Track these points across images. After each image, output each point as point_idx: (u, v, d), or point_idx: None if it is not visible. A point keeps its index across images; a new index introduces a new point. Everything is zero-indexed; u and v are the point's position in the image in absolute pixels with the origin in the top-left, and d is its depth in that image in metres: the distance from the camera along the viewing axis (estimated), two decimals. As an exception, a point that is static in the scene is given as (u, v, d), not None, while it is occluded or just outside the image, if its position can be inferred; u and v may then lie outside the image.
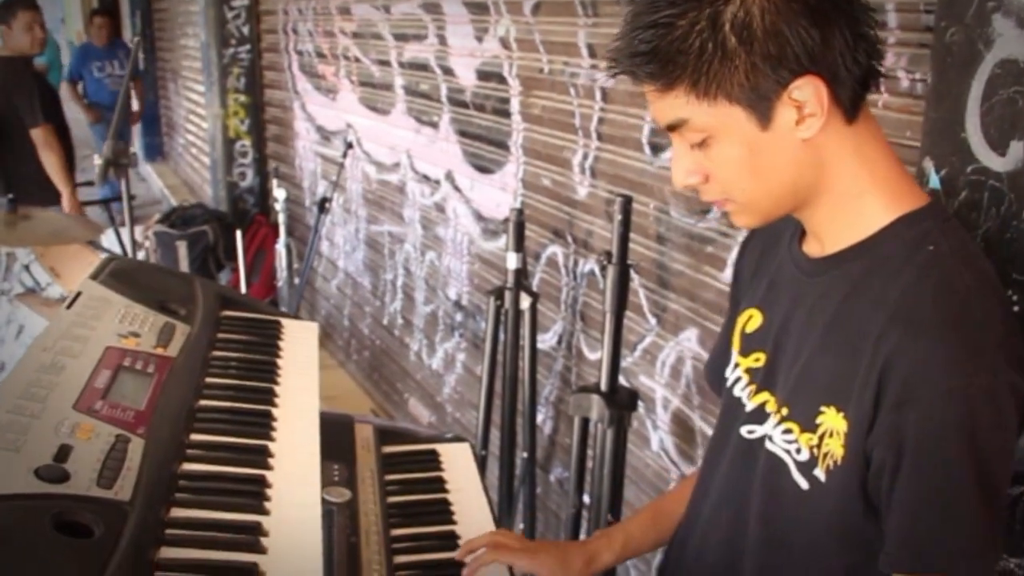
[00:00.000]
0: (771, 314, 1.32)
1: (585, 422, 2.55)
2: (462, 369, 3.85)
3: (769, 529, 1.26)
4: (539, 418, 3.22)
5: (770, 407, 1.27)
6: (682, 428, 2.59)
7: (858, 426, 1.12)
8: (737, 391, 1.35)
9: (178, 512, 1.20)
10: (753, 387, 1.31)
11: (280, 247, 5.10)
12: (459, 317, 3.83)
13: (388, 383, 4.62)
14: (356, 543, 1.54)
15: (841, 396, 1.15)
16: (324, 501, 1.62)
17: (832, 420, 1.16)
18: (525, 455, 3.08)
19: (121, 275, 1.75)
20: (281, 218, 5.09)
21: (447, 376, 3.98)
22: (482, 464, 3.13)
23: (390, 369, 4.58)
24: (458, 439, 1.99)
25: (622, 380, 2.72)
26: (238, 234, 4.76)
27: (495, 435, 3.20)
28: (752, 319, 1.35)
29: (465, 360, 3.82)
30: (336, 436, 1.86)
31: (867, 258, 1.18)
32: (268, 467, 1.34)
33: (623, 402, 2.44)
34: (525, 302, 2.92)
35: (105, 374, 1.37)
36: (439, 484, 1.80)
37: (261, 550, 1.17)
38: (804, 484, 1.19)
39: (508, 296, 2.92)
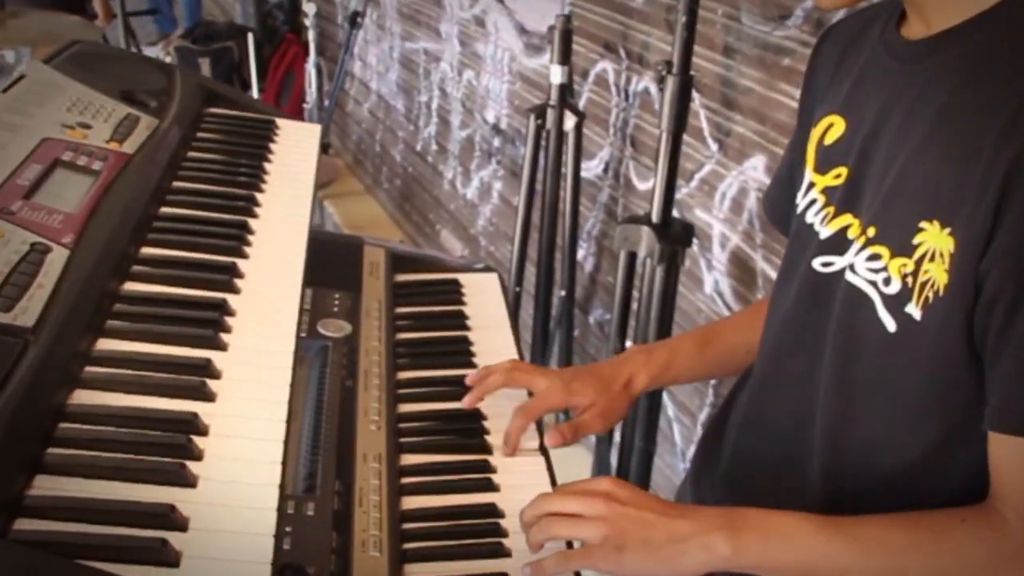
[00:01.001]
0: (856, 119, 1.05)
1: (632, 257, 2.26)
2: (498, 199, 3.55)
3: (844, 384, 1.01)
4: (579, 254, 2.94)
5: (852, 232, 1.01)
6: (741, 269, 2.29)
7: (970, 246, 0.87)
8: (810, 217, 1.08)
9: (107, 344, 0.93)
10: (831, 210, 1.05)
11: (310, 67, 4.77)
12: (497, 142, 3.51)
13: (420, 214, 4.35)
14: (352, 387, 1.27)
15: (948, 208, 0.90)
16: (318, 335, 1.36)
17: (934, 238, 0.91)
18: (563, 294, 2.81)
19: (83, 59, 1.45)
20: (311, 36, 4.75)
21: (482, 207, 3.69)
22: (515, 302, 2.87)
23: (422, 199, 4.30)
24: (487, 269, 1.70)
25: (675, 213, 2.42)
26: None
27: (530, 271, 2.93)
28: (832, 128, 1.08)
29: (502, 189, 3.52)
30: (339, 260, 1.58)
31: (989, 32, 0.91)
32: (233, 289, 1.06)
33: (676, 236, 2.14)
34: (569, 122, 2.60)
35: (34, 169, 1.08)
36: (459, 320, 1.52)
37: (208, 397, 0.91)
38: (891, 325, 0.94)
39: (551, 115, 2.60)
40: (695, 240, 2.36)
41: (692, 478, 1.31)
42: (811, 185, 1.09)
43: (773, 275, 2.18)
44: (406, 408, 1.31)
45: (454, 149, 3.91)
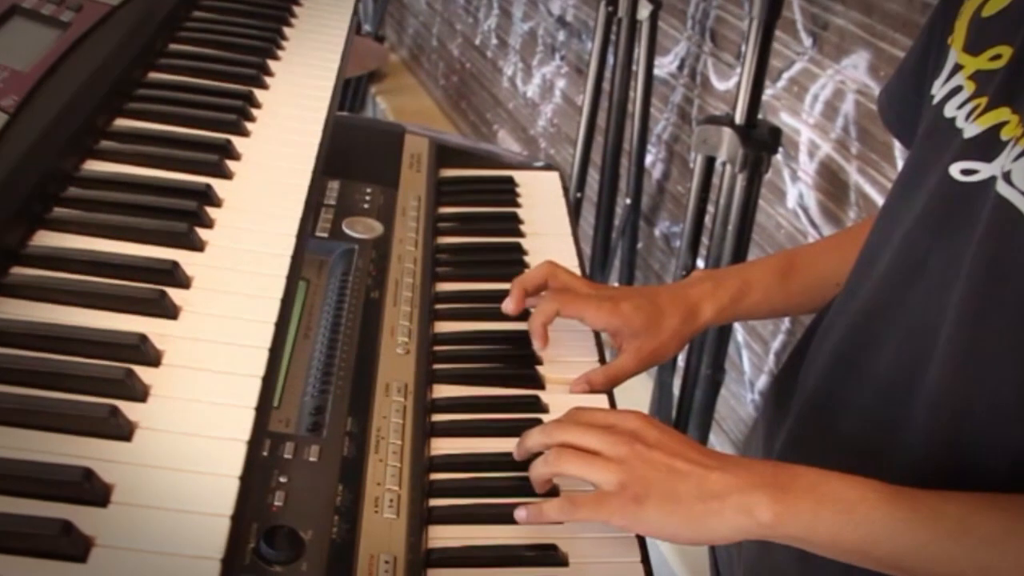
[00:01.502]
0: None
1: (709, 163, 2.01)
2: (561, 98, 3.29)
3: (979, 327, 0.77)
4: (648, 159, 2.68)
5: (1009, 131, 0.76)
6: (830, 182, 2.03)
7: None
8: (951, 109, 0.83)
9: (47, 239, 0.71)
10: (982, 101, 0.80)
11: (366, -48, 4.50)
12: (561, 36, 3.23)
13: (477, 112, 4.09)
14: (379, 299, 1.05)
15: None
16: (342, 236, 1.14)
17: None
18: (628, 201, 2.57)
19: None
20: (369, -81, 4.47)
21: (543, 106, 3.43)
22: (575, 208, 2.63)
23: (480, 97, 4.04)
24: (547, 167, 1.47)
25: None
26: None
27: (593, 177, 2.68)
28: None
29: (565, 88, 3.25)
30: (375, 150, 1.36)
31: None
32: (224, 174, 0.84)
33: (762, 140, 1.89)
34: (644, 10, 2.33)
35: (-16, 14, 0.86)
36: (512, 223, 1.29)
37: (170, 314, 0.69)
38: None
39: (623, 1, 2.33)
40: (779, 148, 2.11)
41: (763, 425, 1.07)
42: (957, 68, 0.84)
43: (868, 190, 1.93)
44: (443, 328, 1.09)
45: (515, 43, 3.64)
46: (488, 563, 0.81)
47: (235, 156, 0.87)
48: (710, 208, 2.10)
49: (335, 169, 1.28)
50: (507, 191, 1.37)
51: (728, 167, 1.92)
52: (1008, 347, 0.74)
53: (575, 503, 0.81)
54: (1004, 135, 0.76)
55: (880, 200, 1.92)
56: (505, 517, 0.85)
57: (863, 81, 1.92)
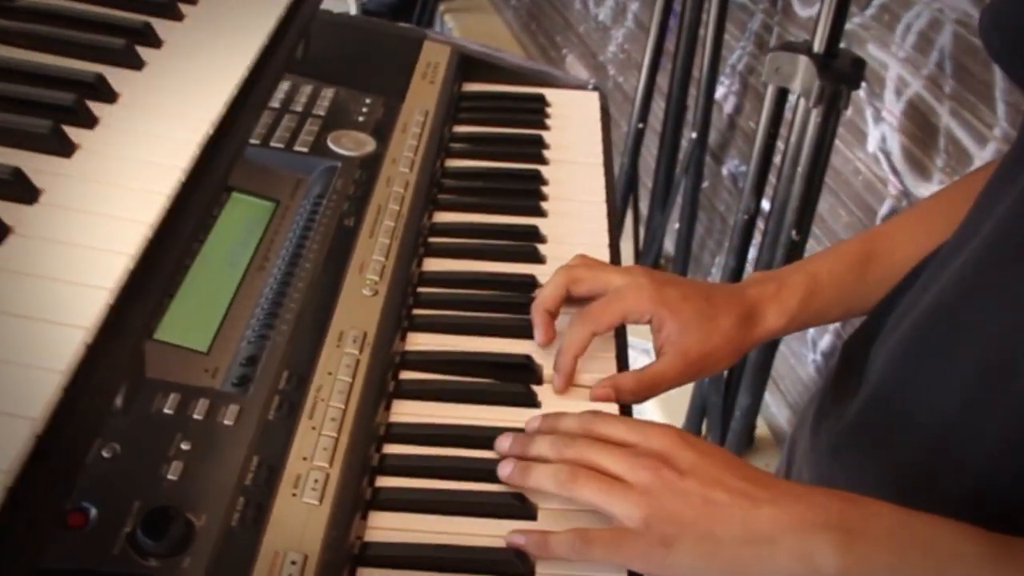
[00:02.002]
0: None
1: (782, 95, 1.79)
2: (633, 23, 3.07)
3: None
4: (719, 92, 2.46)
5: None
6: (918, 125, 1.81)
7: None
8: None
9: None
10: None
11: None
12: (637, -46, 3.01)
13: (547, 36, 3.88)
14: (353, 228, 0.88)
15: None
16: (326, 151, 0.96)
17: None
18: (694, 135, 2.35)
19: None
20: None
21: (614, 31, 3.20)
22: (637, 139, 2.43)
23: (551, 19, 3.82)
24: (586, 86, 1.27)
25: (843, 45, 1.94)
26: None
27: (659, 106, 2.47)
28: None
29: (638, 11, 3.03)
30: (386, 56, 1.18)
31: None
32: (130, 62, 0.66)
33: (842, 72, 1.66)
34: (722, -77, 2.10)
35: None
36: (534, 149, 1.11)
37: (28, 199, 0.53)
38: None
39: (700, -88, 2.11)
40: (862, 84, 1.88)
41: (816, 403, 0.88)
42: None
43: (960, 136, 1.70)
44: (434, 265, 0.92)
45: (590, -38, 3.41)
46: (437, 566, 0.64)
47: (154, 42, 0.70)
48: (780, 146, 1.88)
49: (333, 75, 1.11)
50: (535, 111, 1.18)
51: (802, 101, 1.70)
52: None
53: (588, 541, 0.64)
54: None
55: (973, 149, 1.69)
56: (470, 508, 0.68)
57: (963, 9, 1.68)
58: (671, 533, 0.62)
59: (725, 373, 2.03)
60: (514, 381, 0.79)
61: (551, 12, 3.83)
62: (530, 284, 0.89)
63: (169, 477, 0.63)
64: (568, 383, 0.80)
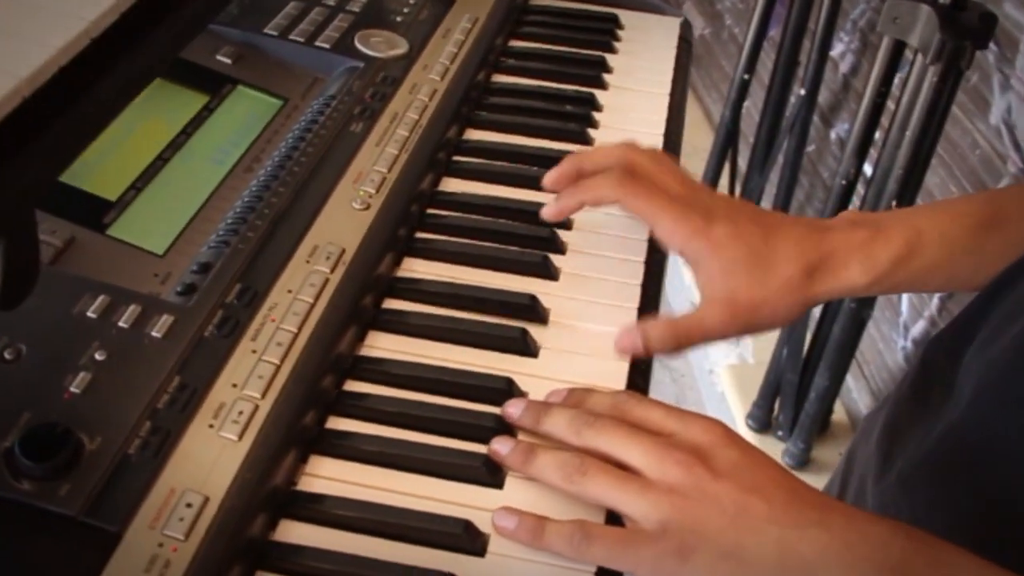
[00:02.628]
0: None
1: (898, 49, 1.63)
2: (754, -30, 2.89)
3: None
4: (837, 49, 2.28)
5: None
6: (1051, 95, 1.63)
7: None
8: None
9: None
10: None
11: None
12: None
13: (666, -19, 3.70)
14: (361, 134, 0.77)
15: None
16: (351, 51, 0.86)
17: None
18: (803, 92, 2.19)
19: None
20: None
21: (734, -22, 3.03)
22: (741, 90, 2.28)
23: (672, -36, 3.65)
24: (662, 8, 1.14)
25: None
26: None
27: (766, 64, 2.31)
28: None
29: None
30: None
31: None
32: None
33: (968, 27, 1.49)
34: None
35: None
36: (595, 72, 0.98)
37: None
38: None
39: None
40: (991, 47, 1.70)
41: (886, 429, 0.73)
42: None
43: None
44: (453, 186, 0.81)
45: (717, -96, 3.23)
46: (373, 529, 0.54)
47: None
48: (891, 107, 1.72)
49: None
50: (604, 31, 1.06)
51: (919, 57, 1.54)
52: None
53: (590, 537, 0.53)
54: None
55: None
56: (428, 467, 0.58)
57: (1117, -31, 1.50)
58: (690, 543, 0.51)
59: (805, 351, 1.89)
60: (513, 322, 0.67)
61: (673, -43, 3.66)
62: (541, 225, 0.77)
63: (72, 389, 0.53)
64: (559, 217, 0.72)
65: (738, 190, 2.44)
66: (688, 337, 0.68)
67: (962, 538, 0.49)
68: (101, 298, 0.58)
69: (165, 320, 0.58)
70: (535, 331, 0.67)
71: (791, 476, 0.53)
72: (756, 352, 2.20)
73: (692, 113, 3.11)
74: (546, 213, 0.71)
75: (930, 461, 0.62)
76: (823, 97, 2.30)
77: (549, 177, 0.71)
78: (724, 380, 2.15)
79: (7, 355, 0.55)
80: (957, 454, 0.60)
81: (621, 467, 0.54)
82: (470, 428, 0.60)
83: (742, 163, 2.45)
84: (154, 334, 0.57)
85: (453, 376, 0.63)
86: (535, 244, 0.74)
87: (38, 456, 0.49)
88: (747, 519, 0.50)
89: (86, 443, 0.51)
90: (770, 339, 2.00)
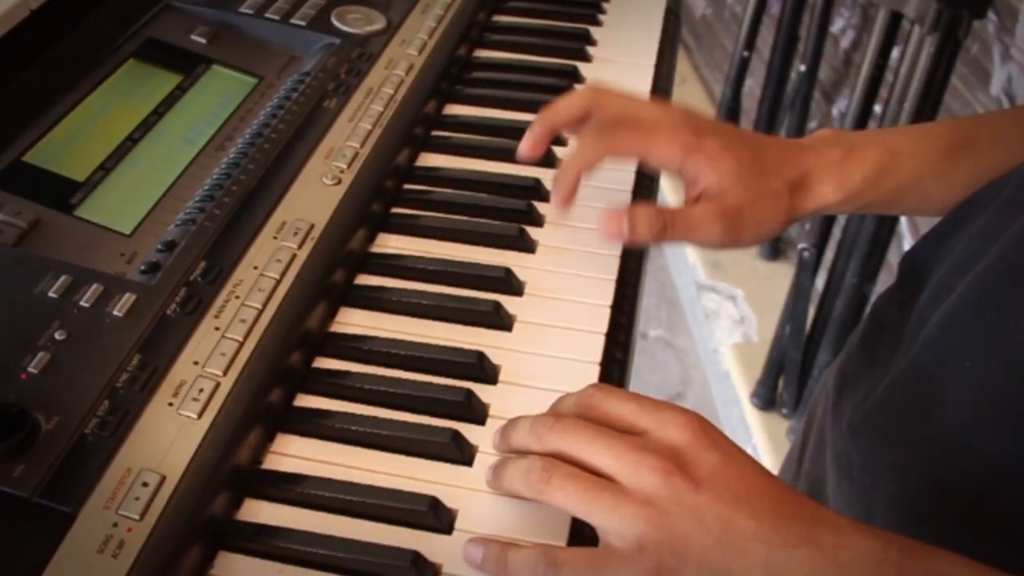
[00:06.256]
0: None
1: (895, 21, 1.61)
2: (755, -53, 2.86)
3: None
4: (837, 24, 2.26)
5: None
6: (1051, 64, 1.61)
7: None
8: None
9: None
10: None
11: None
12: None
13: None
14: (334, 110, 0.76)
15: None
16: (327, 27, 0.85)
17: None
18: (803, 68, 2.17)
19: None
20: None
21: (735, -45, 3.00)
22: (741, 68, 2.26)
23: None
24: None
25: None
26: None
27: (767, 40, 2.29)
28: None
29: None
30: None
31: None
32: None
33: (965, -3, 1.47)
34: None
35: None
36: (578, 43, 0.97)
37: None
38: None
39: None
40: (991, 17, 1.67)
41: (838, 379, 0.73)
42: None
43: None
44: (427, 161, 0.80)
45: None
46: (340, 507, 0.53)
47: None
48: (890, 78, 1.70)
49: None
50: (589, 4, 1.04)
51: (916, 28, 1.51)
52: None
53: (556, 564, 0.49)
54: None
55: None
56: (410, 446, 0.56)
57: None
58: (670, 564, 0.47)
59: (808, 327, 1.87)
60: (487, 295, 0.66)
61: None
62: (535, 190, 0.76)
63: (30, 370, 0.52)
64: (567, 201, 0.67)
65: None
66: (674, 227, 0.65)
67: (908, 484, 0.47)
68: (63, 278, 0.57)
69: (127, 299, 0.57)
70: (510, 303, 0.66)
71: (775, 482, 0.50)
72: (760, 331, 2.19)
73: (694, 91, 3.10)
74: (520, 150, 0.69)
75: (878, 410, 0.61)
76: (824, 73, 2.28)
77: (524, 146, 0.69)
78: (728, 359, 2.14)
79: (-35, 337, 0.54)
80: (903, 403, 0.59)
81: (594, 472, 0.50)
82: (440, 404, 0.59)
83: (744, 141, 2.43)
84: (115, 313, 0.56)
85: (424, 351, 0.62)
86: (513, 217, 0.73)
87: (-7, 436, 0.48)
88: (732, 537, 0.46)
89: (42, 423, 0.50)
90: (773, 317, 1.99)
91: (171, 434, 0.51)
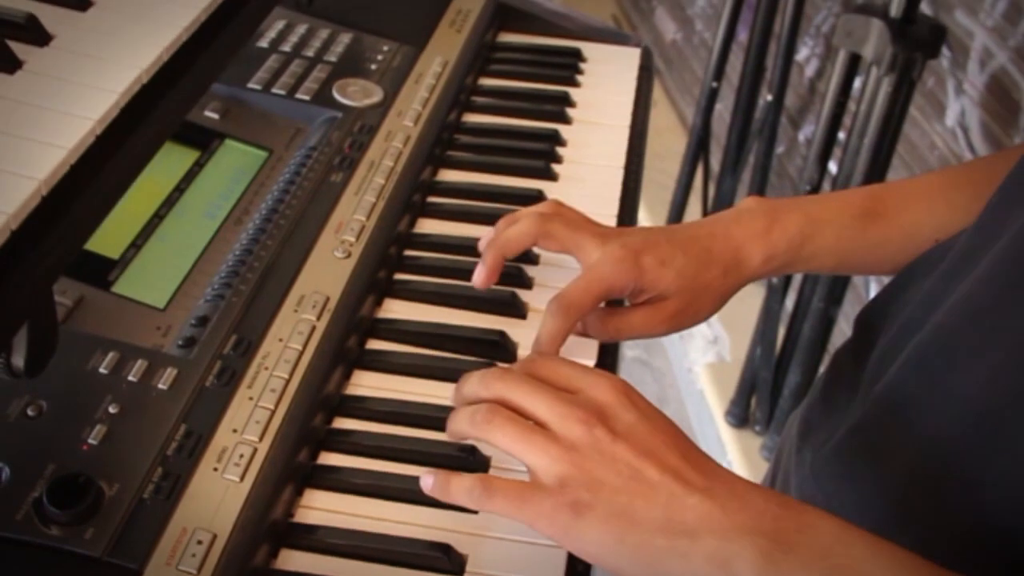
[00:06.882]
0: None
1: (854, 61, 1.70)
2: (722, -25, 2.95)
3: None
4: (802, 54, 2.36)
5: None
6: (1000, 100, 1.70)
7: None
8: None
9: None
10: None
11: None
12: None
13: (637, -16, 3.77)
14: (340, 184, 0.84)
15: None
16: (330, 101, 0.93)
17: None
18: (770, 98, 2.26)
19: None
20: None
21: (703, -18, 3.10)
22: (711, 98, 2.35)
23: (643, -33, 3.71)
24: (627, 40, 1.21)
25: (926, 10, 1.83)
26: None
27: (736, 67, 2.37)
28: None
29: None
30: (416, 1, 1.13)
31: None
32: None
33: (918, 39, 1.56)
34: None
35: None
36: (559, 106, 1.05)
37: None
38: None
39: None
40: (946, 53, 1.77)
41: (801, 424, 0.81)
42: None
43: (1046, 113, 1.60)
44: (428, 227, 0.87)
45: (684, -90, 3.29)
46: (365, 555, 0.61)
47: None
48: (853, 108, 1.79)
49: (355, 18, 1.07)
50: (567, 67, 1.13)
51: (874, 68, 1.61)
52: None
53: (490, 490, 0.57)
54: None
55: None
56: (419, 497, 0.64)
57: (1059, -22, 1.57)
58: (584, 500, 0.55)
59: (777, 349, 1.96)
60: (485, 358, 0.74)
61: (643, -40, 3.73)
62: (524, 255, 0.84)
63: (90, 441, 0.60)
64: (490, 276, 0.76)
65: (712, 192, 2.51)
66: (619, 331, 0.76)
67: (867, 522, 0.56)
68: (111, 354, 0.65)
69: (170, 373, 0.64)
70: (504, 365, 0.74)
71: (686, 441, 0.58)
72: (733, 351, 2.28)
73: (666, 117, 3.19)
74: (475, 281, 0.77)
75: (837, 453, 0.69)
76: (791, 100, 2.37)
77: (478, 278, 0.76)
78: (703, 378, 2.22)
79: (30, 412, 0.61)
80: (859, 448, 0.67)
81: (530, 419, 0.58)
82: (446, 458, 0.66)
83: (716, 164, 2.52)
84: (160, 386, 0.64)
85: (429, 411, 0.70)
86: (504, 280, 0.81)
87: (64, 504, 0.56)
88: (639, 484, 0.55)
89: (105, 490, 0.57)
90: (746, 338, 2.07)
91: (218, 496, 0.59)
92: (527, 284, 0.82)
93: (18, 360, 0.53)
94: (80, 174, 0.53)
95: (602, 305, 0.76)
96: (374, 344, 0.75)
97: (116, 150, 0.56)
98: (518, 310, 0.79)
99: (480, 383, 0.62)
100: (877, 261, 0.79)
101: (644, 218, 2.25)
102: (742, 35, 2.40)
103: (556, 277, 0.81)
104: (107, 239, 0.76)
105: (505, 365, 0.69)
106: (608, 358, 0.77)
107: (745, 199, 0.80)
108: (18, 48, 0.57)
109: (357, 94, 0.95)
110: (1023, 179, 0.63)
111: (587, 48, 1.17)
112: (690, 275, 0.74)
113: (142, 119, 0.58)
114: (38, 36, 0.58)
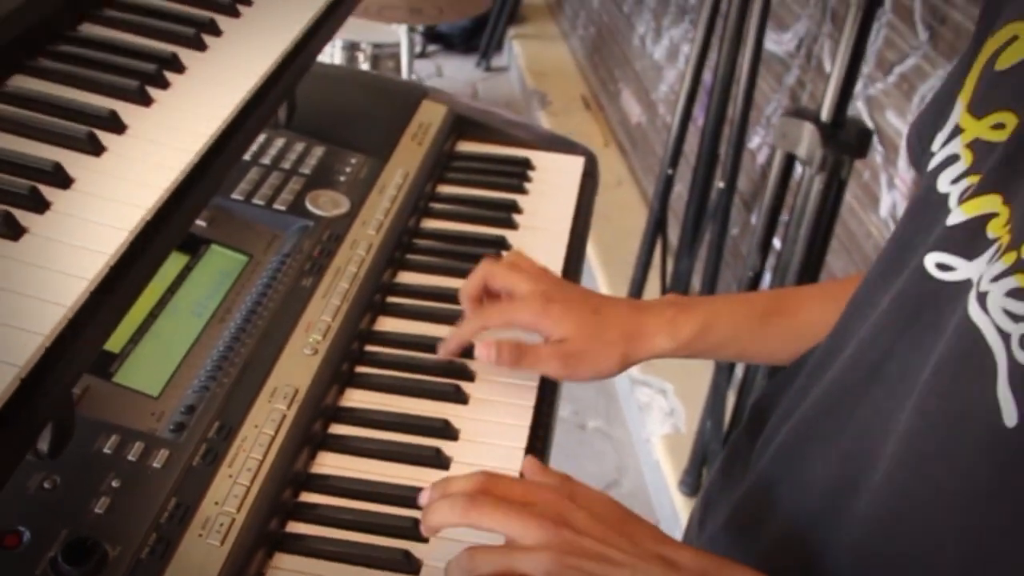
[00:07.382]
0: None
1: (789, 160, 1.85)
2: (684, 64, 3.12)
3: (911, 471, 0.63)
4: (754, 141, 2.52)
5: (996, 228, 0.61)
6: (927, 192, 1.85)
7: None
8: (944, 183, 0.67)
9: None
10: (974, 180, 0.64)
11: None
12: (692, -2, 3.07)
13: (606, 68, 3.95)
14: (309, 288, 0.97)
15: None
16: (303, 211, 1.06)
17: None
18: (722, 185, 2.41)
19: None
20: None
21: (667, 71, 3.27)
22: (667, 185, 2.50)
23: (612, 53, 3.90)
24: (575, 148, 1.35)
25: (860, 112, 1.99)
26: None
27: (696, 148, 2.53)
28: (1016, 44, 0.66)
29: (689, 53, 3.09)
30: (384, 113, 1.27)
31: None
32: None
33: (846, 142, 1.72)
34: (756, -19, 2.16)
35: None
36: (507, 213, 1.19)
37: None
38: (1012, 415, 0.55)
39: (735, -31, 2.17)
40: (878, 150, 1.93)
41: (702, 501, 0.95)
42: (956, 131, 0.68)
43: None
44: (387, 326, 1.01)
45: (650, 1, 3.48)
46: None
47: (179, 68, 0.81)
48: (790, 201, 1.94)
49: (328, 132, 1.21)
50: (517, 175, 1.27)
51: (807, 168, 1.76)
52: (934, 497, 0.61)
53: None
54: (990, 231, 0.61)
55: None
56: (371, 562, 0.77)
57: (973, 88, 1.72)
58: None
59: (727, 423, 2.09)
60: (431, 441, 0.87)
61: (613, 46, 3.91)
62: (467, 351, 0.96)
63: (96, 511, 0.72)
64: (449, 354, 0.95)
65: (670, 269, 2.66)
66: (525, 358, 0.91)
67: None
68: (114, 437, 0.78)
69: (163, 453, 0.77)
70: (447, 448, 0.87)
71: (626, 518, 0.70)
72: (687, 422, 2.41)
73: (629, 195, 3.35)
74: (441, 354, 0.95)
75: (725, 529, 0.82)
76: (744, 185, 2.53)
77: (443, 352, 0.95)
78: (659, 449, 2.35)
79: (47, 485, 0.74)
80: (743, 523, 0.80)
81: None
82: (395, 528, 0.79)
83: (676, 241, 2.67)
84: (155, 465, 0.76)
85: (385, 488, 0.83)
86: (451, 374, 0.94)
87: (76, 563, 0.68)
88: (609, 563, 0.66)
89: (110, 551, 0.70)
90: (698, 413, 2.21)
91: (202, 558, 0.71)
92: (470, 377, 0.95)
93: (43, 445, 0.66)
94: (100, 297, 0.66)
95: (523, 339, 0.92)
96: (337, 429, 0.88)
97: (128, 272, 0.69)
98: (461, 398, 0.92)
99: (451, 511, 0.71)
100: (772, 352, 0.95)
101: (606, 292, 2.39)
102: (700, 120, 2.56)
103: (497, 371, 0.94)
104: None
105: (458, 476, 0.79)
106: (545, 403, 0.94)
107: (667, 296, 0.96)
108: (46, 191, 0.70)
109: (327, 204, 1.08)
110: (863, 295, 0.76)
111: (536, 156, 1.31)
112: (591, 326, 0.91)
113: (152, 240, 0.71)
114: (62, 180, 0.71)
